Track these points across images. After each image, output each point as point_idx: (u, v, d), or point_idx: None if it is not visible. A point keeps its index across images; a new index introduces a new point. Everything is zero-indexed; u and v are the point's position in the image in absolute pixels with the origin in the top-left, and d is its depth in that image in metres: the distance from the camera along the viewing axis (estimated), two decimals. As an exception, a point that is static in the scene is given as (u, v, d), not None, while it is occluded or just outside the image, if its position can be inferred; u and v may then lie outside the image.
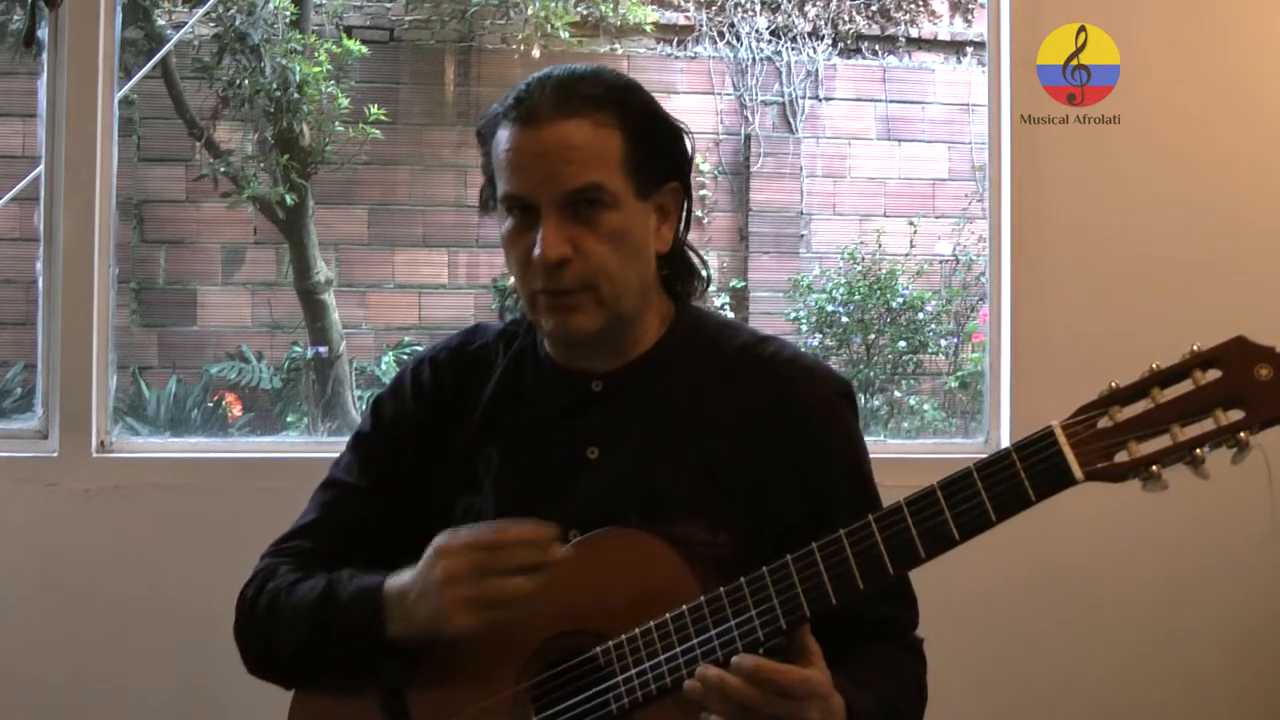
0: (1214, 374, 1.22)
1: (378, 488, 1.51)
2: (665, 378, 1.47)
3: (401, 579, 1.36)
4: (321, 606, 1.40)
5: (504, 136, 1.40)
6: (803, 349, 1.56)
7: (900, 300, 3.87)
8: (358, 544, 1.50)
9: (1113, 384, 1.24)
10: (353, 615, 1.37)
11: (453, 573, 1.29)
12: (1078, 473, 1.21)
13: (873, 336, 3.86)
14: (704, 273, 1.55)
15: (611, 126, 1.39)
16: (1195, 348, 1.23)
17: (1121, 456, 1.22)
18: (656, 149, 1.43)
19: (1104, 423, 1.22)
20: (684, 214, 1.50)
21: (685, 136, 1.49)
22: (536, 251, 1.37)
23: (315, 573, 1.45)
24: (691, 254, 1.54)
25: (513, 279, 1.49)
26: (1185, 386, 1.22)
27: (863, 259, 3.90)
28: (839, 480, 1.46)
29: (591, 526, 1.39)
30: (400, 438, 1.52)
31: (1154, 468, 1.20)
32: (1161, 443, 1.21)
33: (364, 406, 3.67)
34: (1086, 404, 1.24)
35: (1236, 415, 1.20)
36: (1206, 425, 1.20)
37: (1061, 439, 1.22)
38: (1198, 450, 1.19)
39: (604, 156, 1.38)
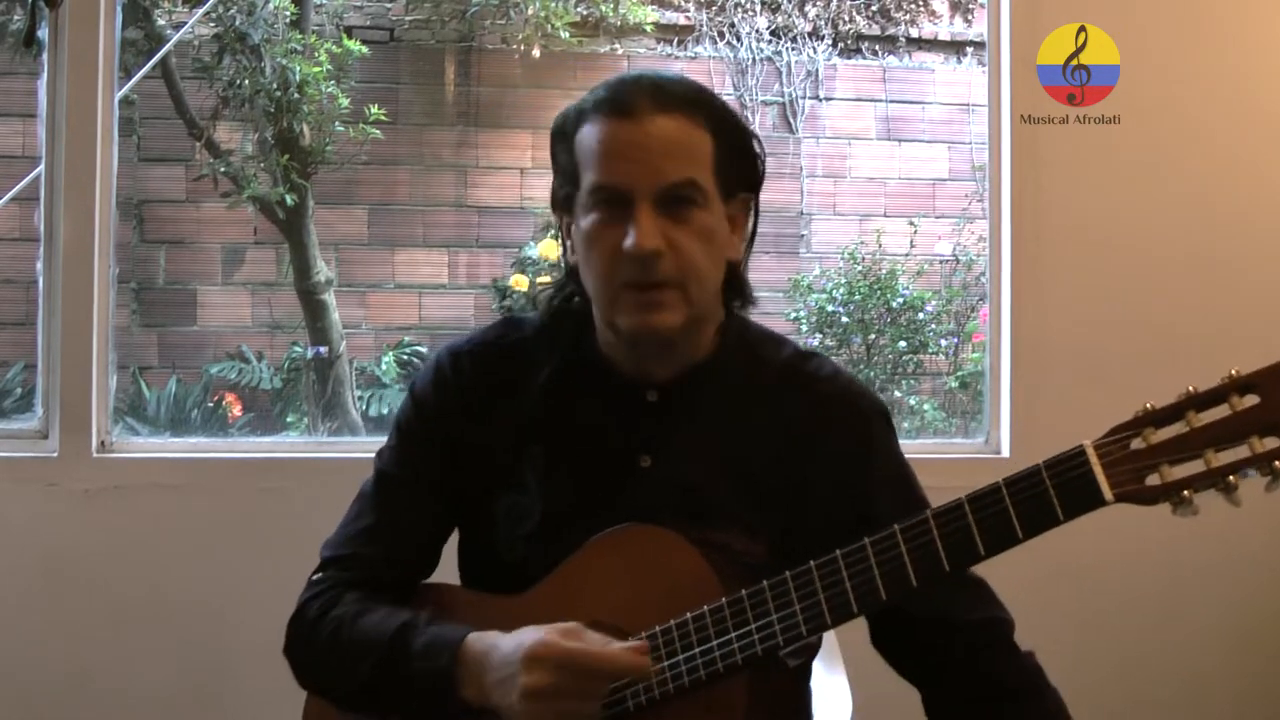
0: (1252, 399, 1.19)
1: (429, 480, 1.50)
2: (715, 389, 1.46)
3: (485, 646, 1.33)
4: (392, 650, 1.37)
5: (594, 130, 1.39)
6: (842, 367, 1.55)
7: (900, 300, 3.87)
8: (414, 541, 1.50)
9: (1147, 405, 1.22)
10: (426, 667, 1.34)
11: (538, 688, 1.27)
12: (1107, 493, 1.20)
13: (873, 336, 3.86)
14: (751, 293, 1.54)
15: (703, 128, 1.39)
16: (1234, 372, 1.20)
17: (1153, 479, 1.20)
18: (739, 156, 1.44)
19: (1137, 444, 1.21)
20: (752, 228, 1.51)
21: (760, 148, 1.49)
22: (629, 242, 1.35)
23: (379, 601, 1.43)
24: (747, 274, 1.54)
25: (576, 274, 1.46)
26: (1222, 411, 1.19)
27: (863, 259, 3.90)
28: (883, 490, 1.45)
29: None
30: (444, 428, 1.50)
31: (1185, 492, 1.19)
32: (1195, 467, 1.19)
33: (363, 406, 3.68)
34: (1120, 424, 1.23)
35: (1273, 443, 1.17)
36: (1241, 452, 1.18)
37: (1093, 458, 1.21)
38: (1231, 477, 1.18)
39: (699, 155, 1.39)
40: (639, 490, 1.43)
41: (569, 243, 1.46)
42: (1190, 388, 1.21)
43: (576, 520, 1.41)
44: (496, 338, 1.54)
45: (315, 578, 1.49)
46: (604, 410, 1.47)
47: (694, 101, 1.40)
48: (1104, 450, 1.21)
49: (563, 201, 1.45)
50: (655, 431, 1.45)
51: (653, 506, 1.40)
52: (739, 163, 1.45)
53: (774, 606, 1.29)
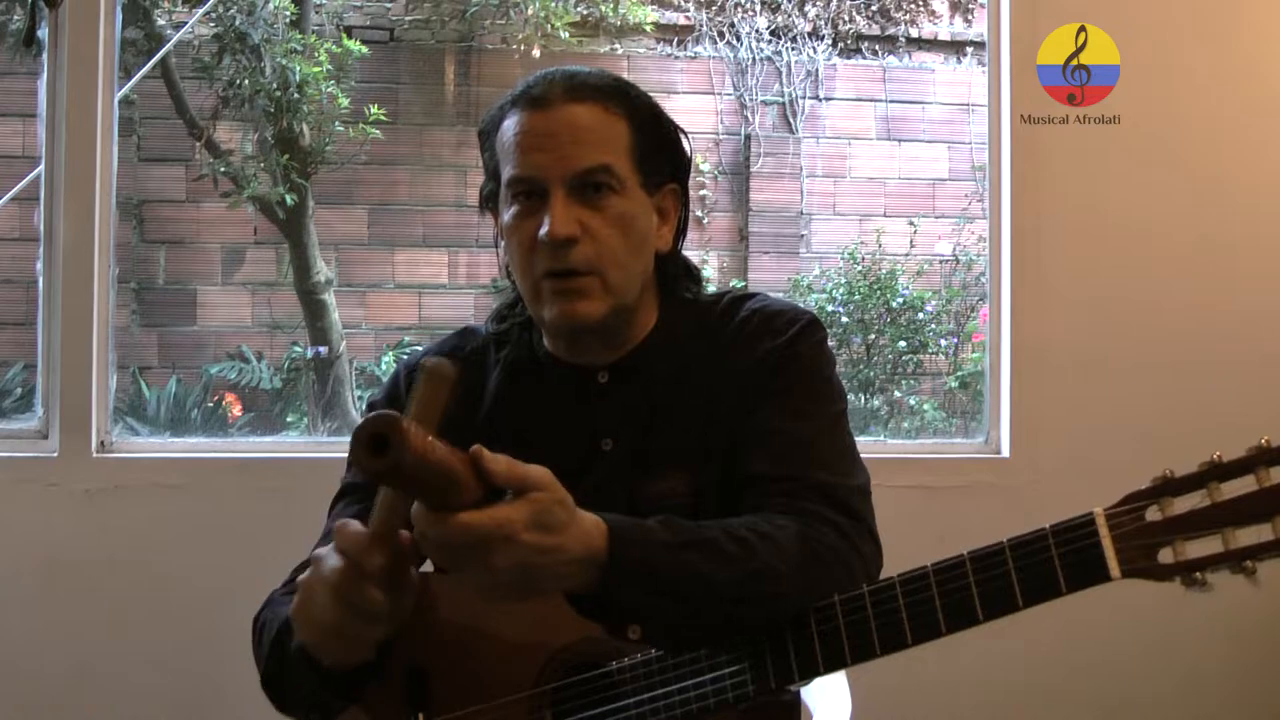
0: None
1: None
2: (664, 360, 1.47)
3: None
4: (284, 632, 1.31)
5: (511, 123, 1.40)
6: (776, 296, 1.53)
7: (900, 300, 3.87)
8: None
9: (1167, 472, 1.15)
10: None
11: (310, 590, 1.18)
12: (1114, 569, 1.14)
13: (873, 336, 3.86)
14: (698, 273, 1.54)
15: (619, 116, 1.40)
16: (1264, 441, 1.12)
17: (1166, 556, 1.13)
18: (660, 146, 1.45)
19: (1153, 515, 1.14)
20: (683, 219, 1.51)
21: (685, 140, 1.50)
22: (544, 231, 1.36)
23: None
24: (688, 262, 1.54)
25: (511, 276, 1.47)
26: (1247, 484, 1.12)
27: (863, 259, 3.90)
28: (774, 400, 1.40)
29: (605, 511, 1.39)
30: None
31: (1199, 574, 1.12)
32: (1212, 545, 1.12)
33: (363, 408, 3.67)
34: (1137, 491, 1.16)
35: None
36: (1264, 533, 1.11)
37: (1103, 529, 1.14)
38: (1249, 561, 1.11)
39: (613, 141, 1.39)
40: (604, 471, 1.42)
41: (502, 242, 1.46)
42: (1215, 455, 1.14)
43: None
44: (453, 348, 1.54)
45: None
46: (557, 402, 1.47)
47: (609, 90, 1.41)
48: (1116, 521, 1.15)
49: (489, 199, 1.47)
50: (613, 413, 1.45)
51: (618, 484, 1.40)
52: (662, 152, 1.45)
53: (769, 646, 1.26)
